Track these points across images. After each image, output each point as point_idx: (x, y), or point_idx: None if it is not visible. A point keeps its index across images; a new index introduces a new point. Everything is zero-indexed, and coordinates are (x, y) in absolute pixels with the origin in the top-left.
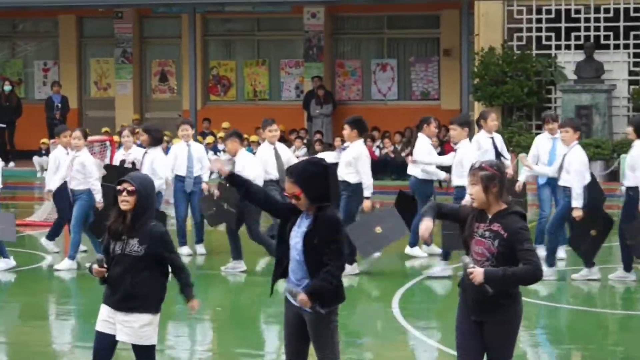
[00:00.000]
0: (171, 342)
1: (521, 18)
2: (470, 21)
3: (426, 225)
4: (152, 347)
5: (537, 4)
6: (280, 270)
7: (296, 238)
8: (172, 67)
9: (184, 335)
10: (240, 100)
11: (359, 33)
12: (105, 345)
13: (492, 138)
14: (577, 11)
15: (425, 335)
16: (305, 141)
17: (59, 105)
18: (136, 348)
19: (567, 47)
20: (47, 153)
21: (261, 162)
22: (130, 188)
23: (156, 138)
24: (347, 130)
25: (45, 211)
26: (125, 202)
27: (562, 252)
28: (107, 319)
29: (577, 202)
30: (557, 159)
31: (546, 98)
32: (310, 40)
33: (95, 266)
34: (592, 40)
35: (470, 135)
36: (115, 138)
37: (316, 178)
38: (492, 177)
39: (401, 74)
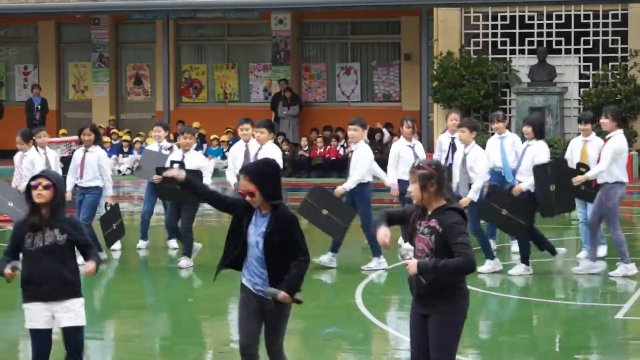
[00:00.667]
0: (146, 332)
1: (477, 24)
2: (429, 27)
3: (384, 232)
4: (84, 327)
5: (492, 11)
6: (229, 261)
7: (256, 237)
8: (146, 70)
9: (160, 326)
10: (211, 102)
11: (324, 38)
12: (45, 340)
13: (453, 138)
14: (531, 17)
15: (385, 324)
16: (272, 141)
17: (39, 107)
18: (71, 330)
19: (521, 51)
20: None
21: (230, 157)
22: (46, 183)
23: (100, 137)
24: (264, 134)
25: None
26: (40, 195)
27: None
28: (42, 315)
29: (475, 195)
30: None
31: (501, 100)
32: (277, 45)
33: (9, 270)
34: (544, 45)
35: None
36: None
37: (270, 176)
38: (430, 176)
39: (364, 77)
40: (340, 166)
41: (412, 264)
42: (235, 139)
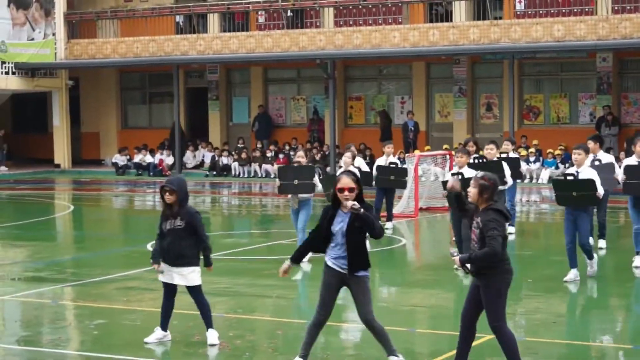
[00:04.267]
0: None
1: None
2: None
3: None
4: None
5: None
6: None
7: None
8: (495, 99)
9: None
10: (547, 124)
11: (639, 72)
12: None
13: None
14: None
15: None
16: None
17: (412, 128)
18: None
19: None
20: (403, 163)
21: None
22: (169, 188)
23: (479, 151)
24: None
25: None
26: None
27: None
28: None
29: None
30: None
31: None
32: (601, 78)
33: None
34: None
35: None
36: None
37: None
38: (486, 187)
39: None
40: None
41: (456, 259)
42: (567, 153)
